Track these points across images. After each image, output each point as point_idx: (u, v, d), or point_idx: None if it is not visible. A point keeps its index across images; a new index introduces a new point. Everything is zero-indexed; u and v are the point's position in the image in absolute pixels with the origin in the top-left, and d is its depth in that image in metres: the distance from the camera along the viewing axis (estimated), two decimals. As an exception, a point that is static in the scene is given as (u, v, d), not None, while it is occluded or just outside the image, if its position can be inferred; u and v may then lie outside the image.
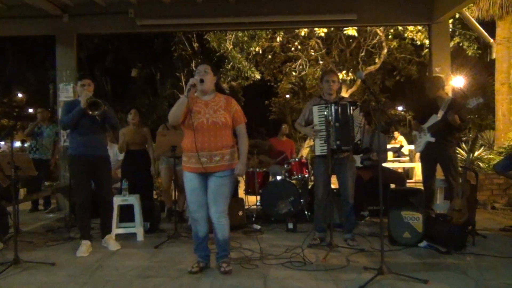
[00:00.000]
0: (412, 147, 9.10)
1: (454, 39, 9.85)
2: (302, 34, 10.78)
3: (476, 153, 7.21)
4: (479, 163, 7.00)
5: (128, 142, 5.29)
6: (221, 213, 3.25)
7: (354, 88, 12.84)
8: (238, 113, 3.34)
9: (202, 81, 3.19)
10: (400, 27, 10.19)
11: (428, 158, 4.71)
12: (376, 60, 12.10)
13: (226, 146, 3.22)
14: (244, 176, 5.67)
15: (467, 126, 4.34)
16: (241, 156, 3.36)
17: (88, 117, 3.87)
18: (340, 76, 11.59)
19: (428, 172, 4.75)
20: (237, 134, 3.37)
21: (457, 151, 7.79)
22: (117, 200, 4.48)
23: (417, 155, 6.78)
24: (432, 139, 4.52)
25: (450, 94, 5.62)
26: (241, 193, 5.49)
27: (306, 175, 5.53)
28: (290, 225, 4.70)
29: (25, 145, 7.15)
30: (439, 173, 4.85)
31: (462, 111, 4.34)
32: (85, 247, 3.92)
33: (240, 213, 4.91)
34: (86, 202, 4.00)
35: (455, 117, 4.25)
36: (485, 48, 9.60)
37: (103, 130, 4.11)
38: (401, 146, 6.44)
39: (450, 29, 8.44)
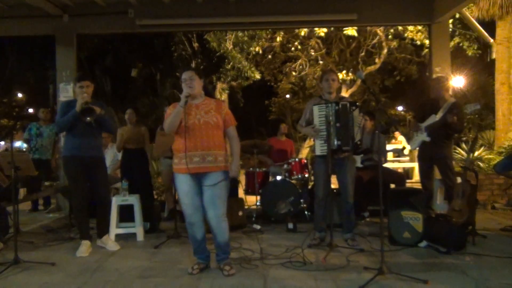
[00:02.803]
0: (412, 147, 9.11)
1: (454, 39, 9.86)
2: (302, 34, 10.80)
3: (476, 153, 7.21)
4: (479, 163, 7.00)
5: (126, 140, 5.28)
6: (220, 217, 3.22)
7: (354, 88, 12.85)
8: (229, 115, 3.35)
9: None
10: (400, 27, 10.20)
11: (425, 158, 4.71)
12: (376, 60, 12.12)
13: (219, 146, 3.21)
14: (244, 176, 5.68)
15: (463, 129, 4.39)
16: (234, 157, 3.36)
17: (81, 121, 3.86)
18: (340, 76, 11.60)
19: (425, 172, 4.75)
20: (228, 137, 3.37)
21: (457, 151, 7.82)
22: (117, 200, 4.48)
23: (415, 153, 6.78)
24: (428, 139, 4.52)
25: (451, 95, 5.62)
26: (241, 193, 5.48)
27: (306, 175, 5.53)
28: (290, 225, 4.70)
29: (24, 146, 7.14)
30: (438, 173, 4.84)
31: (460, 113, 4.35)
32: (84, 247, 3.92)
33: (240, 213, 4.91)
34: (84, 202, 3.99)
35: (455, 118, 4.25)
36: (485, 48, 9.60)
37: (99, 132, 4.10)
38: (404, 148, 6.45)
39: (450, 29, 8.45)
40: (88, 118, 3.76)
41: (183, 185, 3.21)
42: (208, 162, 3.16)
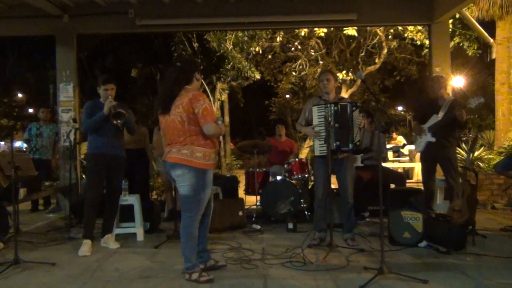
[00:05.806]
0: (412, 147, 9.11)
1: (454, 39, 9.84)
2: (302, 34, 10.79)
3: (476, 153, 7.21)
4: (479, 163, 6.99)
5: (126, 141, 5.28)
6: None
7: (354, 88, 12.85)
8: None
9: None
10: (400, 27, 10.20)
11: (429, 158, 4.70)
12: (376, 60, 12.11)
13: None
14: (244, 176, 5.66)
15: (468, 126, 4.36)
16: None
17: (110, 123, 3.97)
18: (340, 76, 11.60)
19: (428, 172, 4.75)
20: None
21: (457, 151, 7.81)
22: (117, 200, 4.48)
23: (417, 155, 6.75)
24: (433, 139, 4.51)
25: (450, 94, 5.62)
26: (241, 193, 5.48)
27: (306, 175, 5.53)
28: (290, 225, 4.70)
29: (24, 146, 7.14)
30: (440, 173, 4.84)
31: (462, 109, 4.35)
32: (87, 247, 3.93)
33: (240, 213, 4.91)
34: (96, 200, 4.06)
35: (463, 112, 4.26)
36: (485, 48, 9.60)
37: (122, 132, 4.21)
38: (404, 144, 6.44)
39: (450, 29, 8.44)
40: (119, 121, 3.95)
41: (210, 180, 3.21)
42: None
